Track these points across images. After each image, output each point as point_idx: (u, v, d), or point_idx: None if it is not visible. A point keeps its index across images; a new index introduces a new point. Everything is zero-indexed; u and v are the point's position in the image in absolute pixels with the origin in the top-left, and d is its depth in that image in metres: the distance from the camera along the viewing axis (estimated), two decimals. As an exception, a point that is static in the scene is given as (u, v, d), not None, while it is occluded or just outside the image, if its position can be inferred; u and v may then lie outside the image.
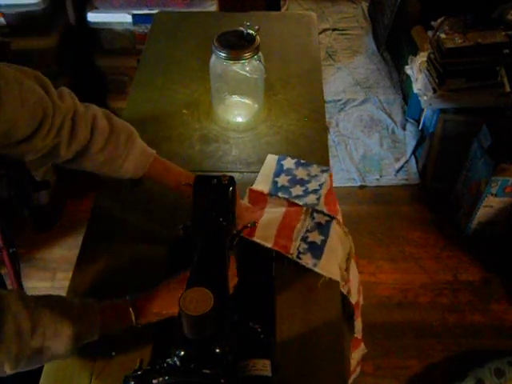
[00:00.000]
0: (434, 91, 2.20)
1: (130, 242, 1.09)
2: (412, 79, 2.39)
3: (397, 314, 2.03)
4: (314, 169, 1.20)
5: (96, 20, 2.28)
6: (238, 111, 1.38)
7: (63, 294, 1.02)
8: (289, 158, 1.23)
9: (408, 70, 2.46)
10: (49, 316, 0.78)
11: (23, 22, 2.19)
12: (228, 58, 1.24)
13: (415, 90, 2.33)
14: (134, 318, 0.86)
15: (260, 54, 1.27)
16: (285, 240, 1.06)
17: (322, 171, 1.20)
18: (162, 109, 1.39)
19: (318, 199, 1.12)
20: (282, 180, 1.17)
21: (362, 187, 2.47)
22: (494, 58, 2.16)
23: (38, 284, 2.08)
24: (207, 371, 0.74)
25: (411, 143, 2.61)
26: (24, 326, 0.74)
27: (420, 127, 2.61)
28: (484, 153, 2.08)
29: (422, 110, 2.48)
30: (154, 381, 0.75)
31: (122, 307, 0.87)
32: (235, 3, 2.46)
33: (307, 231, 1.07)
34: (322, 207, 1.11)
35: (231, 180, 0.98)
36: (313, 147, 1.29)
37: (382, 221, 2.32)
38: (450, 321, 2.01)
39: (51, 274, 2.12)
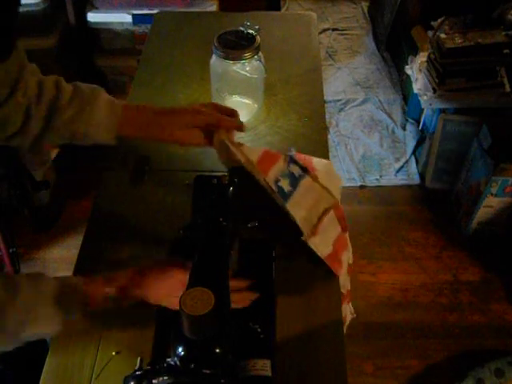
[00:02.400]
0: (434, 91, 2.20)
1: (130, 242, 1.09)
2: (412, 79, 2.39)
3: (397, 313, 2.03)
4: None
5: (96, 20, 2.28)
6: (238, 111, 1.38)
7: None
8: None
9: (408, 70, 2.46)
10: (26, 290, 0.80)
11: (23, 22, 2.18)
12: (228, 58, 1.24)
13: (415, 90, 2.33)
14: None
15: (260, 53, 1.27)
16: (266, 165, 1.05)
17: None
18: (162, 109, 1.39)
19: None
20: None
21: (362, 187, 2.47)
22: (494, 58, 2.16)
23: (38, 284, 2.08)
24: (207, 371, 0.74)
25: (411, 143, 2.61)
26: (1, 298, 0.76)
27: (420, 127, 2.61)
28: (484, 153, 2.08)
29: (422, 109, 2.48)
30: (153, 381, 0.75)
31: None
32: (235, 3, 2.46)
33: (280, 175, 1.06)
34: (298, 161, 1.10)
35: (231, 180, 0.98)
36: (313, 147, 1.29)
37: (382, 221, 2.32)
38: (450, 321, 2.01)
39: (51, 274, 2.12)
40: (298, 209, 1.05)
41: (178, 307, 0.70)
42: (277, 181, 1.04)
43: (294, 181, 1.06)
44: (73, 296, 0.86)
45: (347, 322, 1.36)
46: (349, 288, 1.24)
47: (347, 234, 1.16)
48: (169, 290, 0.90)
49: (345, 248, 1.15)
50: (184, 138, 1.01)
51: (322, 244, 1.08)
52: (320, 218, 1.07)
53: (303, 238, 1.03)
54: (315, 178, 1.09)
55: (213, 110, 1.03)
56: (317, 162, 1.13)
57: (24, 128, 0.96)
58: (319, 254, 1.06)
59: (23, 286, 0.82)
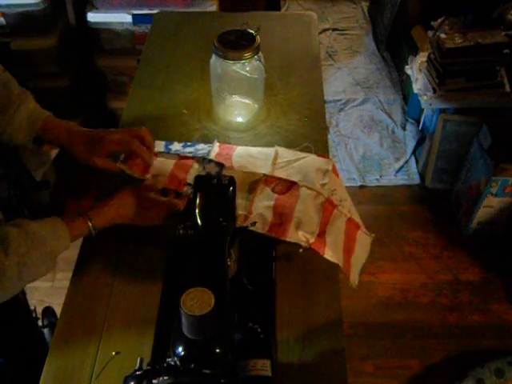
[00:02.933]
0: (434, 91, 2.20)
1: (129, 242, 1.09)
2: (412, 79, 2.39)
3: (397, 313, 2.03)
4: (201, 146, 1.25)
5: (96, 20, 2.28)
6: (238, 111, 1.38)
7: (63, 294, 1.02)
8: (176, 143, 1.27)
9: (408, 70, 2.46)
10: (16, 235, 0.84)
11: (23, 22, 2.19)
12: (228, 58, 1.24)
13: (415, 90, 2.33)
14: (91, 225, 0.97)
15: (260, 53, 1.27)
16: (181, 174, 1.14)
17: (209, 146, 1.25)
18: (162, 109, 1.39)
19: (208, 154, 1.20)
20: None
21: (362, 187, 2.47)
22: (494, 58, 2.16)
23: (38, 284, 2.08)
24: (207, 371, 0.74)
25: (411, 143, 2.61)
26: None
27: (420, 127, 2.61)
28: (484, 153, 2.08)
29: (422, 110, 2.48)
30: (154, 381, 0.75)
31: (79, 218, 0.97)
32: (235, 3, 2.46)
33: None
34: (213, 158, 1.17)
35: (231, 180, 0.98)
36: (313, 147, 1.28)
37: (382, 221, 2.32)
38: (450, 321, 2.01)
39: (51, 274, 2.12)
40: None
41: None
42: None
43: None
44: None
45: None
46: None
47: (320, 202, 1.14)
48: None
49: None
50: (99, 164, 1.10)
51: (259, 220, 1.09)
52: (252, 198, 1.11)
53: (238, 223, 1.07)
54: (231, 168, 1.16)
55: (133, 139, 1.12)
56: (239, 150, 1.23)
57: None
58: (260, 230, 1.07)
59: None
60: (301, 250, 1.02)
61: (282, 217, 1.08)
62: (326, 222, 1.09)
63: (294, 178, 1.15)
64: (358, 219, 1.16)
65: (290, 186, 1.13)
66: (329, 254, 1.03)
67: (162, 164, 1.18)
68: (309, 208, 1.08)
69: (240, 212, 1.07)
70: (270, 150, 1.23)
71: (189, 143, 1.26)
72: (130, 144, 1.10)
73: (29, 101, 1.09)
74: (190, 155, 1.21)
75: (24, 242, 0.85)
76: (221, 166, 1.14)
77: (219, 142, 1.26)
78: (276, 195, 1.12)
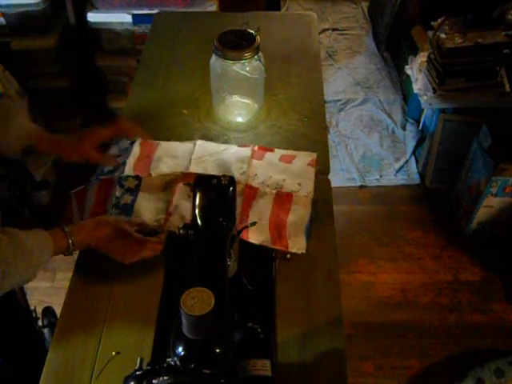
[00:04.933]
0: (434, 91, 2.20)
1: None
2: (412, 79, 2.39)
3: (397, 313, 2.03)
4: (124, 143, 1.28)
5: (96, 20, 2.28)
6: (238, 111, 1.38)
7: (63, 293, 1.02)
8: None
9: (408, 70, 2.46)
10: (5, 244, 0.84)
11: (23, 22, 2.19)
12: (228, 58, 1.24)
13: (415, 90, 2.33)
14: (71, 241, 0.95)
15: (260, 54, 1.27)
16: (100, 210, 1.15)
17: (131, 143, 1.27)
18: (162, 109, 1.39)
19: (128, 155, 1.23)
20: None
21: (362, 187, 2.47)
22: (494, 58, 2.16)
23: (38, 284, 2.08)
24: (207, 371, 0.74)
25: (411, 143, 2.61)
26: None
27: (420, 127, 2.61)
28: (484, 153, 2.08)
29: (422, 110, 2.48)
30: (154, 381, 0.75)
31: (61, 233, 0.95)
32: (235, 3, 2.46)
33: (117, 198, 1.15)
34: (131, 172, 1.20)
35: (231, 180, 0.98)
36: (313, 147, 1.29)
37: (382, 221, 2.32)
38: (450, 321, 2.01)
39: (51, 274, 2.12)
40: (147, 205, 1.14)
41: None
42: (117, 204, 1.14)
43: (133, 192, 1.16)
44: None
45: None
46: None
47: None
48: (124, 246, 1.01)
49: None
50: (91, 155, 1.13)
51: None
52: (169, 202, 1.13)
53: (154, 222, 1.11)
54: (149, 176, 1.20)
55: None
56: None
57: None
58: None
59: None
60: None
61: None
62: (249, 206, 1.12)
63: (211, 172, 1.17)
64: (295, 186, 1.17)
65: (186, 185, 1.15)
66: (253, 238, 1.06)
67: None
68: None
69: (162, 216, 1.10)
70: (190, 145, 1.26)
71: (114, 140, 1.29)
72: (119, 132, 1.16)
73: (21, 114, 1.11)
74: (109, 176, 1.21)
75: (12, 252, 0.84)
76: (139, 178, 1.18)
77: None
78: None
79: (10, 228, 0.89)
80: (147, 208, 1.13)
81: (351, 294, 2.02)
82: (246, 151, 1.23)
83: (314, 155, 1.24)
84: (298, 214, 1.12)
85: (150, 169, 1.21)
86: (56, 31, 2.26)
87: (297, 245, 1.07)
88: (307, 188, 1.17)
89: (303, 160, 1.23)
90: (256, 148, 1.25)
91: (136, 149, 1.25)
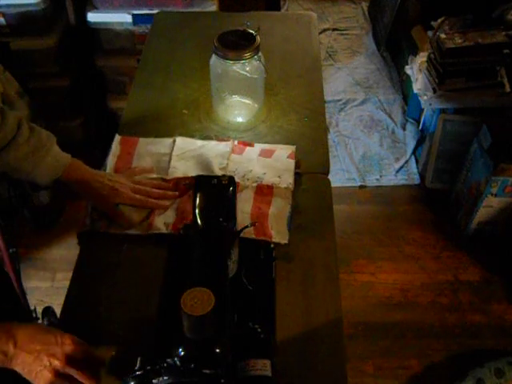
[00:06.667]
0: (434, 91, 2.20)
1: (129, 242, 1.09)
2: (412, 79, 2.39)
3: (397, 313, 2.03)
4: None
5: (96, 20, 2.28)
6: (238, 111, 1.38)
7: (63, 293, 1.02)
8: None
9: (408, 69, 2.46)
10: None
11: (23, 22, 2.19)
12: (228, 58, 1.24)
13: (415, 90, 2.33)
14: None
15: (260, 53, 1.27)
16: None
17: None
18: (162, 109, 1.39)
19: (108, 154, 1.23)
20: None
21: (362, 187, 2.47)
22: (494, 58, 2.16)
23: (38, 284, 2.08)
24: (207, 371, 0.74)
25: (411, 143, 2.61)
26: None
27: (420, 127, 2.61)
28: (484, 153, 2.08)
29: (422, 109, 2.48)
30: (154, 381, 0.75)
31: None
32: (235, 3, 2.46)
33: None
34: (112, 171, 1.19)
35: (231, 180, 0.98)
36: (313, 147, 1.29)
37: (382, 221, 2.32)
38: (450, 321, 2.01)
39: (51, 274, 2.13)
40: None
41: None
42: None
43: None
44: None
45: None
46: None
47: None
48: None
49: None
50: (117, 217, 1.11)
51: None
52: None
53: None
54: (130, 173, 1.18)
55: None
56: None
57: None
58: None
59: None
60: None
61: (183, 214, 1.10)
62: None
63: (191, 171, 1.17)
64: (275, 179, 1.18)
65: (187, 187, 1.15)
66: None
67: None
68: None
69: (144, 222, 1.10)
70: (169, 141, 1.26)
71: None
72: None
73: (55, 145, 1.09)
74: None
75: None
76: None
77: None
78: (177, 199, 1.14)
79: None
80: (131, 211, 1.12)
81: (351, 293, 2.02)
82: (226, 146, 1.24)
83: (293, 148, 1.25)
84: (280, 206, 1.13)
85: (132, 166, 1.21)
86: (56, 31, 2.26)
87: (279, 235, 1.07)
88: (287, 180, 1.18)
89: (283, 153, 1.24)
90: (236, 143, 1.26)
91: (116, 147, 1.25)
